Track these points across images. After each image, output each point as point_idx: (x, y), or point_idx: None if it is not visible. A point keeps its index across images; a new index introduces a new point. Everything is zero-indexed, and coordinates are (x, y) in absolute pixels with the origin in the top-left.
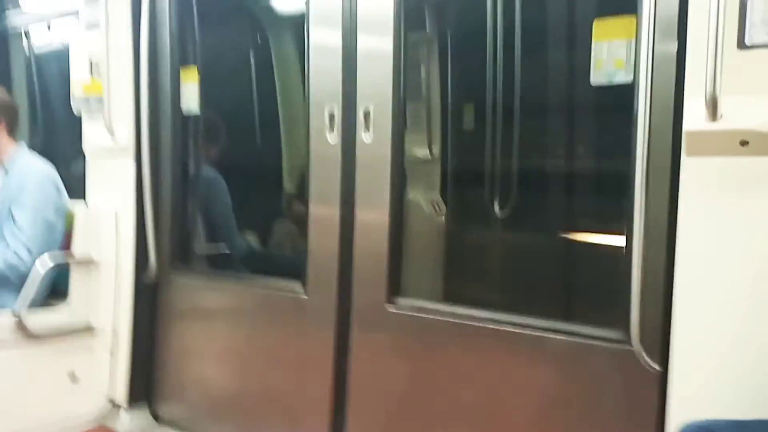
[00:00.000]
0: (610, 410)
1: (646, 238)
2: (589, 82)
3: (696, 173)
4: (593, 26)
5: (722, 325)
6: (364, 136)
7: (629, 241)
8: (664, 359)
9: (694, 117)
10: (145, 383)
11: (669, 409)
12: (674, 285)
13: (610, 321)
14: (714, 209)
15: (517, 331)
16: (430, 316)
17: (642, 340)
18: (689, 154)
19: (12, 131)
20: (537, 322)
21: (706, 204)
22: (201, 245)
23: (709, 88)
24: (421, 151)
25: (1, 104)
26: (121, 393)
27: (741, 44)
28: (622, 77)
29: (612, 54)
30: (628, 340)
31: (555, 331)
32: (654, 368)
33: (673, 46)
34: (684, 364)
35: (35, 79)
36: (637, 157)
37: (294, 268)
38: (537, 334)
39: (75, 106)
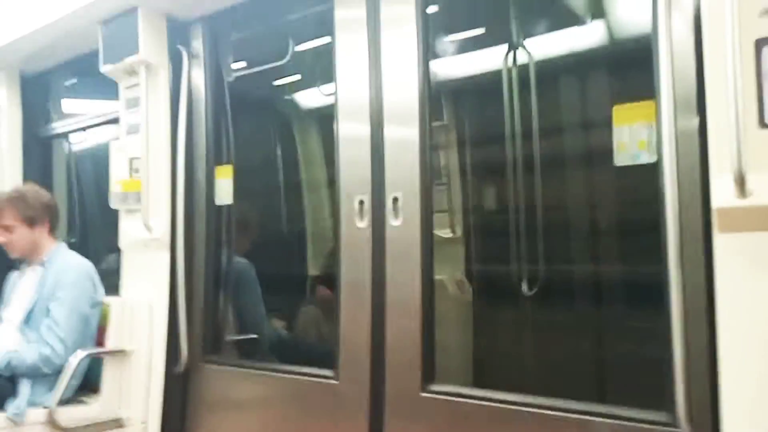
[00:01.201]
0: None
1: (686, 316)
2: (606, 158)
3: (729, 249)
4: (613, 112)
5: None
6: (392, 222)
7: (668, 319)
8: None
9: (723, 194)
10: None
11: None
12: (718, 362)
13: (653, 403)
14: (751, 283)
15: (558, 414)
16: (467, 401)
17: (690, 421)
18: (721, 230)
19: (53, 230)
20: (579, 405)
21: (743, 278)
22: (231, 334)
23: (736, 167)
24: (443, 231)
25: (45, 205)
26: None
27: (762, 123)
28: (646, 158)
29: (634, 137)
30: (675, 422)
31: (598, 414)
32: None
33: (694, 125)
34: None
35: (74, 179)
36: (669, 236)
37: (322, 355)
38: (579, 417)
39: (113, 202)
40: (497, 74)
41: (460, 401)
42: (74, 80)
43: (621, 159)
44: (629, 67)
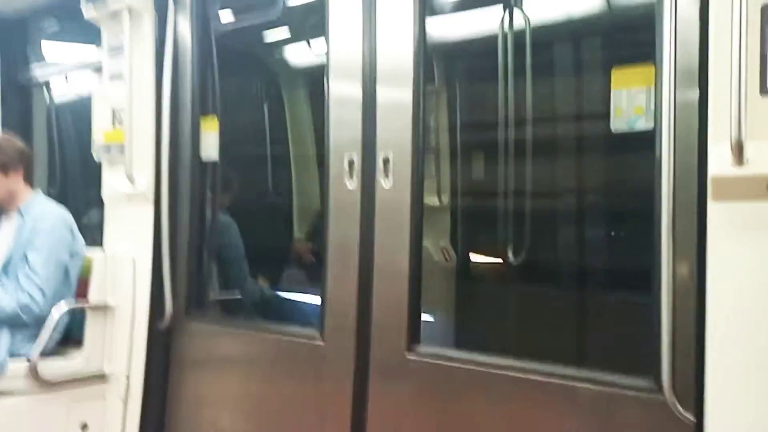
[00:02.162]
0: None
1: (675, 285)
2: (604, 127)
3: (723, 218)
4: (612, 75)
5: (759, 373)
6: (383, 182)
7: (657, 287)
8: (698, 409)
9: (720, 162)
10: None
11: None
12: (706, 332)
13: (639, 370)
14: (743, 253)
15: (543, 379)
16: (452, 364)
17: (674, 390)
18: (715, 198)
19: (28, 178)
20: (564, 370)
21: (735, 248)
22: (214, 291)
23: (735, 134)
24: (430, 199)
25: (18, 152)
26: None
27: (764, 90)
28: (643, 124)
29: (632, 101)
30: (659, 390)
31: (583, 379)
32: (688, 419)
33: (694, 93)
34: (719, 415)
35: (54, 128)
36: (663, 203)
37: (305, 314)
38: (564, 382)
39: (96, 153)
40: (492, 38)
41: (445, 364)
42: (55, 25)
43: (618, 124)
44: (630, 32)
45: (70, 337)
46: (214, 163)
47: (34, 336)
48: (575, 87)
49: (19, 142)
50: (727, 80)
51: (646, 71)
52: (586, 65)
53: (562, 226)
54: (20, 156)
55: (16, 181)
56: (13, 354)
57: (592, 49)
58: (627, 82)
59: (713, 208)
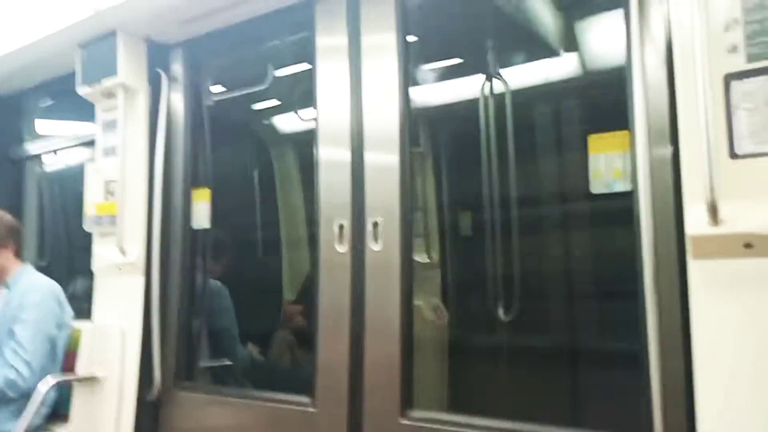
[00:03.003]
0: None
1: (661, 342)
2: (585, 188)
3: (704, 275)
4: (588, 141)
5: (748, 426)
6: (372, 245)
7: (644, 344)
8: None
9: (697, 222)
10: None
11: None
12: (695, 387)
13: (631, 428)
14: (726, 309)
15: None
16: (446, 428)
17: None
18: (695, 257)
19: (18, 253)
20: (556, 430)
21: (718, 304)
22: (204, 359)
23: (708, 196)
24: (420, 257)
25: (10, 228)
26: None
27: (732, 154)
28: (621, 186)
29: (609, 165)
30: None
31: None
32: None
33: (668, 154)
34: None
35: (46, 201)
36: (645, 261)
37: (297, 380)
38: None
39: (87, 225)
40: (474, 102)
41: (439, 428)
42: (49, 101)
43: (597, 187)
44: (603, 97)
45: (58, 411)
46: (205, 231)
47: (20, 411)
48: (555, 149)
49: (9, 218)
50: (697, 144)
51: (620, 137)
52: (565, 127)
53: (551, 283)
54: (11, 232)
55: (5, 258)
56: None
57: (569, 111)
58: (603, 147)
59: (693, 265)
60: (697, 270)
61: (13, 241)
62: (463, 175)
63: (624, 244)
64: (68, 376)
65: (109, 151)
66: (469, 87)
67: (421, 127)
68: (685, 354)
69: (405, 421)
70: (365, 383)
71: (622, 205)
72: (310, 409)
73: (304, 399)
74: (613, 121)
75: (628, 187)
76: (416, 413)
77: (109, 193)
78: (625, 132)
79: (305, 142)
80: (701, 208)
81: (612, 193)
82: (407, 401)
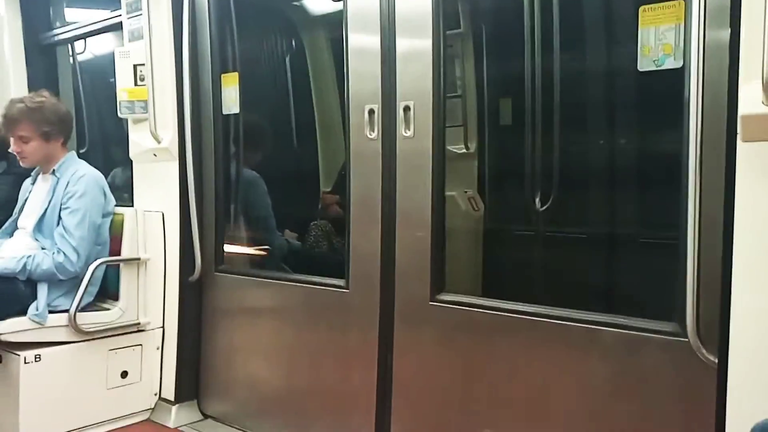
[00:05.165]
0: (666, 405)
1: (701, 227)
2: (631, 70)
3: (752, 159)
4: (639, 12)
5: None
6: (404, 131)
7: (683, 230)
8: (722, 352)
9: (750, 101)
10: (193, 380)
11: (728, 404)
12: (732, 275)
13: (663, 314)
14: None
15: (567, 324)
16: (475, 311)
17: (698, 333)
18: (745, 139)
19: (66, 143)
20: (588, 315)
21: (764, 189)
22: (243, 245)
23: (767, 72)
24: (457, 146)
25: (61, 120)
26: (169, 389)
27: None
28: (671, 63)
29: (660, 39)
30: (683, 333)
31: (606, 324)
32: (711, 361)
33: (726, 28)
34: (743, 357)
35: (80, 88)
36: (690, 144)
37: (332, 267)
38: (588, 327)
39: (121, 111)
40: None
41: (469, 310)
42: None
43: (645, 64)
44: None
45: (107, 291)
46: (236, 117)
47: (72, 291)
48: (603, 29)
49: (62, 108)
50: (760, 17)
51: (675, 7)
52: (614, 6)
53: (590, 169)
54: (62, 123)
55: (54, 147)
56: (53, 307)
57: None
58: (655, 20)
59: (742, 147)
60: (745, 153)
61: (63, 131)
62: (504, 59)
63: (670, 129)
64: (114, 258)
65: (136, 34)
66: None
67: (461, 8)
68: (725, 243)
69: (435, 304)
70: (397, 267)
71: (671, 86)
72: (344, 291)
73: (339, 281)
74: None
75: (678, 63)
76: (446, 296)
77: (139, 77)
78: (680, 2)
79: (338, 24)
80: (757, 86)
81: (661, 72)
82: (438, 285)
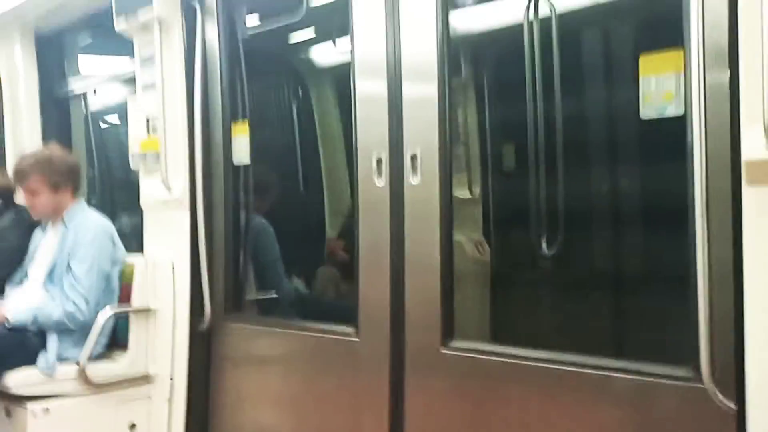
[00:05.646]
0: None
1: (711, 271)
2: (634, 114)
3: (758, 202)
4: (639, 61)
5: None
6: (411, 179)
7: (693, 275)
8: (739, 397)
9: (753, 146)
10: (202, 430)
11: None
12: (744, 317)
13: (677, 359)
14: None
15: (579, 371)
16: (487, 358)
17: (714, 377)
18: (750, 183)
19: (75, 192)
20: (600, 361)
21: None
22: (252, 292)
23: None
24: (461, 192)
25: (70, 170)
26: None
27: None
28: (673, 110)
29: (660, 87)
30: (698, 378)
31: (620, 370)
32: (728, 407)
33: (725, 76)
34: (762, 403)
35: (93, 138)
36: (696, 189)
37: (340, 312)
38: (601, 373)
39: (133, 162)
40: (518, 27)
41: (480, 357)
42: (89, 39)
43: (647, 112)
44: (657, 18)
45: (116, 341)
46: (246, 167)
47: (81, 341)
48: (604, 75)
49: (71, 158)
50: (759, 62)
51: (674, 56)
52: (614, 52)
53: (596, 215)
54: (71, 174)
55: (64, 197)
56: (62, 358)
57: (619, 36)
58: (655, 69)
59: (748, 192)
60: (751, 197)
61: (72, 181)
62: (506, 105)
63: (674, 173)
64: (124, 308)
65: (149, 87)
66: (513, 11)
67: (463, 56)
68: (736, 286)
69: (446, 351)
70: (406, 314)
71: (673, 132)
72: (354, 339)
73: (348, 329)
74: (665, 42)
75: (680, 111)
76: (457, 344)
77: (151, 129)
78: (679, 51)
79: (344, 74)
80: (759, 130)
81: (662, 118)
82: (448, 332)
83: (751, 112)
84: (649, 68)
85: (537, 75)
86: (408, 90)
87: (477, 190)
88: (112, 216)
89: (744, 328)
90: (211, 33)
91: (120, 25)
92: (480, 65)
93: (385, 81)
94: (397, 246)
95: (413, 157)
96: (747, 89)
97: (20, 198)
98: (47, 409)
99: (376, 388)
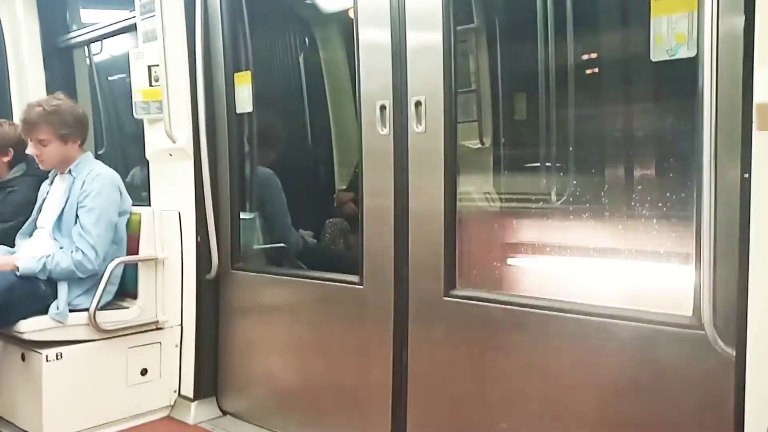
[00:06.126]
0: (683, 397)
1: (716, 217)
2: (645, 60)
3: None
4: (651, 1)
5: None
6: (416, 127)
7: (698, 220)
8: (740, 344)
9: (766, 89)
10: (212, 377)
11: (747, 397)
12: (748, 264)
13: (677, 305)
14: None
15: (581, 317)
16: (490, 305)
17: (714, 324)
18: (761, 127)
19: (83, 144)
20: (602, 308)
21: None
22: (258, 242)
23: None
24: (471, 142)
25: (78, 121)
26: (188, 387)
27: None
28: (685, 52)
29: (672, 28)
30: (699, 324)
31: (621, 317)
32: (728, 353)
33: (740, 17)
34: (762, 349)
35: (97, 90)
36: (705, 133)
37: (347, 263)
38: (602, 320)
39: (137, 112)
40: None
41: (483, 305)
42: None
43: (658, 53)
44: None
45: (126, 290)
46: (250, 116)
47: (92, 290)
48: (618, 18)
49: (79, 110)
50: None
51: None
52: None
53: (605, 163)
54: (79, 125)
55: (71, 148)
56: (73, 305)
57: None
58: (667, 9)
59: (759, 137)
60: (762, 141)
61: (80, 132)
62: (519, 52)
63: (685, 119)
64: (132, 257)
65: (150, 36)
66: None
67: (475, 1)
68: (741, 233)
69: (449, 299)
70: (410, 263)
71: (685, 79)
72: (359, 287)
73: (353, 278)
74: None
75: (692, 53)
76: (459, 291)
77: (153, 78)
78: None
79: (350, 20)
80: None
81: (675, 60)
82: (451, 281)
83: (765, 55)
84: (661, 8)
85: (549, 20)
86: (412, 37)
87: (488, 140)
88: (120, 169)
89: (747, 276)
90: None
91: None
92: (493, 11)
93: (388, 28)
94: (401, 194)
95: (417, 104)
96: (761, 31)
97: (29, 149)
98: (60, 354)
99: (381, 335)
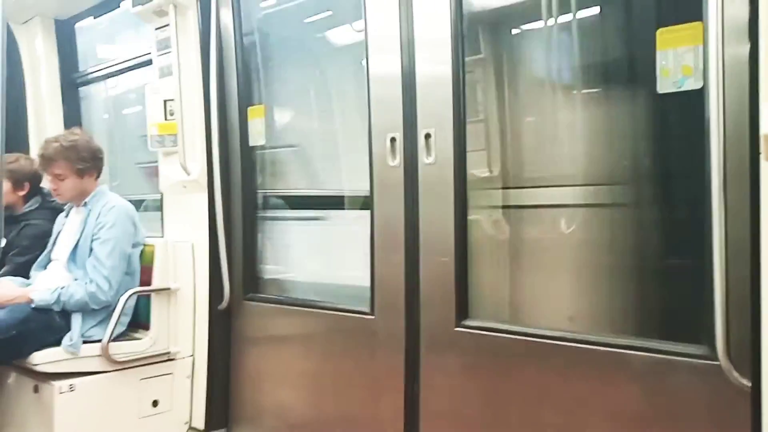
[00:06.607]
0: (697, 429)
1: (728, 247)
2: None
3: None
4: (657, 35)
5: None
6: (425, 159)
7: (709, 251)
8: (755, 375)
9: None
10: (223, 408)
11: (763, 428)
12: (760, 293)
13: (693, 336)
14: None
15: (594, 348)
16: (501, 336)
17: (729, 355)
18: None
19: (98, 177)
20: (615, 339)
21: None
22: (270, 272)
23: None
24: (480, 170)
25: (94, 156)
26: (199, 418)
27: None
28: (691, 84)
29: (678, 61)
30: (713, 356)
31: (634, 348)
32: (743, 384)
33: (745, 49)
34: None
35: (113, 123)
36: (713, 164)
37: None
38: (616, 351)
39: (151, 144)
40: (537, 1)
41: (494, 335)
42: (107, 24)
43: (664, 85)
44: None
45: (139, 322)
46: (262, 148)
47: (105, 321)
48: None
49: (95, 144)
50: None
51: (693, 29)
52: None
53: (613, 192)
54: (95, 160)
55: (88, 182)
56: (86, 337)
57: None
58: (673, 42)
59: (766, 167)
60: None
61: (96, 167)
62: (526, 82)
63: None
64: (146, 288)
65: (166, 71)
66: None
67: (482, 32)
68: (753, 263)
69: (460, 329)
70: (421, 293)
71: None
72: (370, 317)
73: (364, 308)
74: (684, 14)
75: (698, 84)
76: (471, 322)
77: (168, 112)
78: (698, 24)
79: (360, 55)
80: None
81: (681, 93)
82: (462, 311)
83: None
84: (667, 41)
85: (556, 50)
86: (422, 69)
87: (496, 169)
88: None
89: (760, 306)
90: (225, 15)
91: (135, 8)
92: (499, 41)
93: (399, 60)
94: (412, 225)
95: (427, 136)
96: (766, 62)
97: (45, 183)
98: (72, 386)
99: (392, 366)
